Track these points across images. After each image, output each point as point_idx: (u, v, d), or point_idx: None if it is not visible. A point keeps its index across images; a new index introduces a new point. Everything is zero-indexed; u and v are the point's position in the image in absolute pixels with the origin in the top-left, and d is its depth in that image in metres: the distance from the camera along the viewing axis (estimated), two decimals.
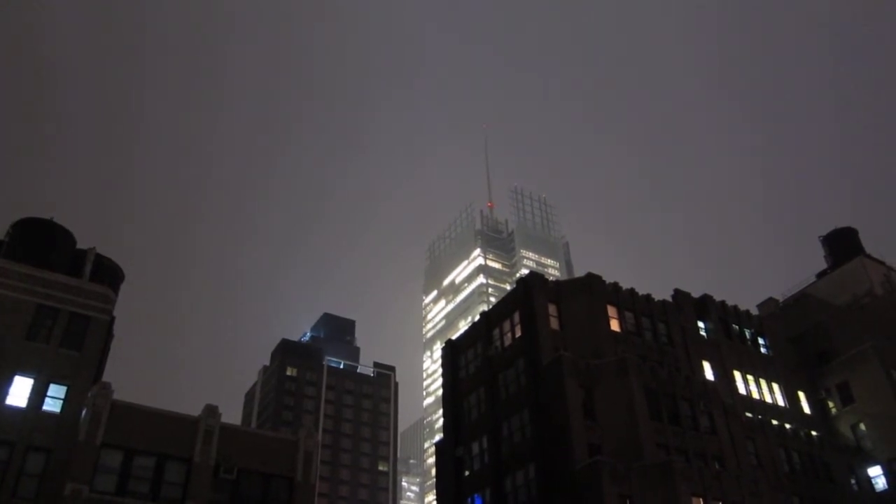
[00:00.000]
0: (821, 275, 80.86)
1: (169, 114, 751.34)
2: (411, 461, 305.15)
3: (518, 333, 53.46)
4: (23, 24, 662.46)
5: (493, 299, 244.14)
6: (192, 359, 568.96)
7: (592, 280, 55.42)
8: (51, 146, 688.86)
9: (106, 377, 38.76)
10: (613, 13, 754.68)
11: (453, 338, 64.28)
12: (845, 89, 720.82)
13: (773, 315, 71.52)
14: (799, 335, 66.38)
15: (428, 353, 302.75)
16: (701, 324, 59.42)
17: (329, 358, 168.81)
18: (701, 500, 41.18)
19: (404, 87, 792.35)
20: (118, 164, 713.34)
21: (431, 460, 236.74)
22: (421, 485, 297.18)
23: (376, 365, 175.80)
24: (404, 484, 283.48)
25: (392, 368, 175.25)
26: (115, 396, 34.92)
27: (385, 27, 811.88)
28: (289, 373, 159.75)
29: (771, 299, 77.74)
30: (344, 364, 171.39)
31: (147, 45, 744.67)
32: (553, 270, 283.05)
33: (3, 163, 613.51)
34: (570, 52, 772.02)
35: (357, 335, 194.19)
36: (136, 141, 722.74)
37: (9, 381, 34.51)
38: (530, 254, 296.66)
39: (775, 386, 60.15)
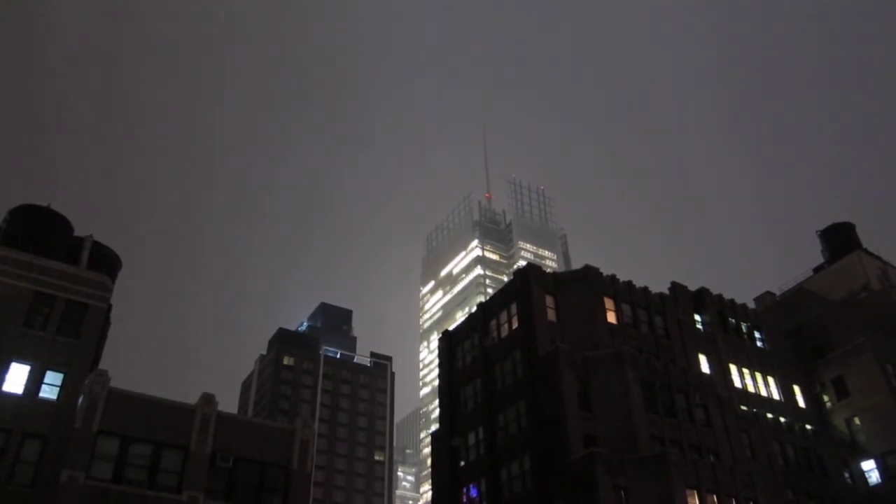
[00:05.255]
0: (818, 269, 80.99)
1: (175, 108, 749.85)
2: (407, 451, 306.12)
3: (515, 325, 53.52)
4: (26, 17, 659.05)
5: (490, 290, 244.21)
6: (189, 348, 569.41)
7: (590, 272, 55.46)
8: (54, 136, 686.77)
9: (103, 365, 38.82)
10: (612, 9, 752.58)
11: (450, 328, 64.35)
12: (844, 83, 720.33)
13: (770, 309, 71.62)
14: (795, 329, 66.53)
15: (425, 344, 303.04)
16: (697, 317, 59.52)
17: (326, 348, 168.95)
18: (695, 492, 41.34)
19: (405, 82, 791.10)
20: (123, 155, 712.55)
21: (427, 450, 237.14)
22: (417, 475, 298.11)
23: (373, 355, 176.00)
24: (400, 474, 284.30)
25: (389, 359, 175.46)
26: (112, 384, 34.90)
27: (387, 21, 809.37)
28: (286, 362, 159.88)
29: (767, 293, 77.85)
30: (341, 354, 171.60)
31: (152, 37, 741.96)
32: (550, 262, 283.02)
33: (4, 152, 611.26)
34: (569, 46, 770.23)
35: (354, 325, 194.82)
36: (140, 134, 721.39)
37: (5, 368, 34.47)
38: (528, 245, 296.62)
39: (771, 379, 60.33)
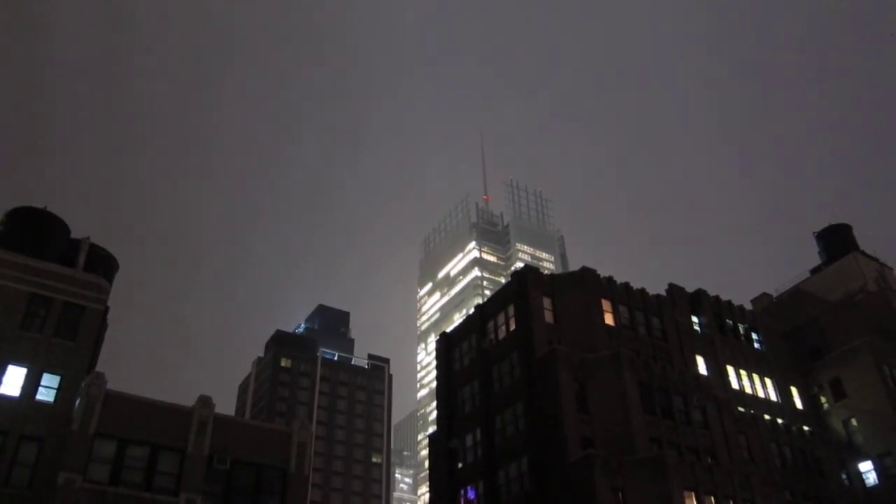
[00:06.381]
0: (814, 271, 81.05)
1: (174, 108, 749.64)
2: (405, 453, 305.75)
3: (512, 326, 53.55)
4: (24, 17, 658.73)
5: (487, 292, 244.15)
6: (187, 350, 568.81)
7: (587, 274, 55.50)
8: (51, 137, 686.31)
9: (100, 367, 38.72)
10: (610, 11, 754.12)
11: (448, 330, 64.32)
12: (841, 83, 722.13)
13: (767, 310, 71.73)
14: (792, 331, 66.62)
15: (422, 346, 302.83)
16: (695, 318, 59.59)
17: (323, 349, 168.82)
18: (693, 493, 41.38)
19: (404, 84, 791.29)
20: (121, 155, 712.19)
21: (425, 452, 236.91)
22: (414, 477, 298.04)
23: (370, 357, 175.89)
24: (397, 476, 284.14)
25: (386, 360, 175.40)
26: (109, 386, 34.89)
27: (386, 23, 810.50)
28: (283, 364, 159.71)
29: (765, 295, 77.96)
30: (338, 356, 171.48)
31: (151, 37, 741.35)
32: (548, 264, 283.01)
33: (3, 153, 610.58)
34: (567, 47, 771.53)
35: (352, 327, 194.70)
36: (139, 134, 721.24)
37: (2, 371, 34.41)
38: (525, 247, 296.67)
39: (768, 381, 60.41)
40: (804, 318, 67.89)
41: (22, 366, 34.93)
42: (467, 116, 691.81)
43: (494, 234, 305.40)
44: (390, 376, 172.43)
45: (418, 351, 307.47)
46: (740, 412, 53.23)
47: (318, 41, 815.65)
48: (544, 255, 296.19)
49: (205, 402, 36.56)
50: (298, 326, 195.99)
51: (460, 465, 53.90)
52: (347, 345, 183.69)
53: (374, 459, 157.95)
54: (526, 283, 54.07)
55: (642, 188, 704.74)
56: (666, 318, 56.71)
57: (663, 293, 59.18)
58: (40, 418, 34.01)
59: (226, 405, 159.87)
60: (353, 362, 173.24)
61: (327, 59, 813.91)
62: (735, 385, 57.49)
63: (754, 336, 62.93)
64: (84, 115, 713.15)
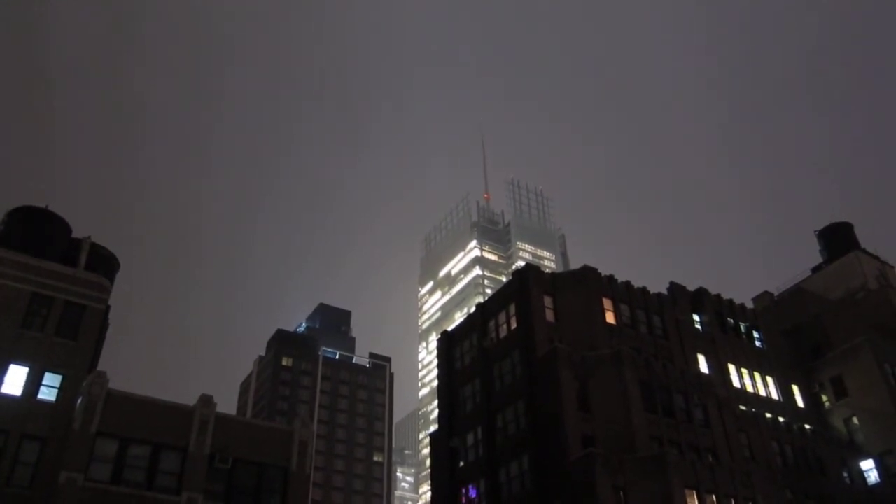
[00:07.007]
0: (816, 269, 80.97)
1: (174, 108, 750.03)
2: (406, 452, 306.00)
3: (513, 325, 53.54)
4: (24, 17, 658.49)
5: (488, 291, 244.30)
6: (188, 349, 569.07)
7: (588, 272, 55.48)
8: (53, 136, 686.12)
9: (101, 366, 38.74)
10: (610, 11, 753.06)
11: (449, 329, 64.31)
12: (842, 82, 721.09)
13: (768, 309, 71.68)
14: (793, 329, 66.57)
15: (423, 345, 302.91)
16: (696, 317, 59.53)
17: (324, 348, 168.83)
18: (694, 492, 41.35)
19: (403, 85, 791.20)
20: (122, 155, 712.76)
21: (426, 451, 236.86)
22: (415, 475, 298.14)
23: (372, 356, 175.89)
24: (399, 474, 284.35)
25: (387, 359, 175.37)
26: (111, 385, 34.90)
27: (387, 22, 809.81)
28: (284, 363, 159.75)
29: (766, 293, 77.88)
30: (339, 355, 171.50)
31: (152, 37, 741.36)
32: (549, 262, 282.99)
33: (3, 153, 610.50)
34: (568, 47, 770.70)
35: (353, 326, 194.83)
36: (140, 135, 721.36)
37: (4, 370, 34.43)
38: (526, 246, 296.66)
39: (769, 379, 60.36)
40: (805, 317, 67.86)
41: (23, 365, 34.94)
42: (467, 116, 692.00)
43: (495, 233, 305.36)
44: (391, 375, 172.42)
45: (419, 350, 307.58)
46: (741, 410, 53.21)
47: (318, 41, 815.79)
48: (545, 254, 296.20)
49: (206, 401, 36.59)
50: (300, 325, 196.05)
51: (461, 463, 53.91)
52: (349, 344, 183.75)
53: (375, 458, 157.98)
54: (527, 281, 54.05)
55: (642, 188, 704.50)
56: (667, 317, 56.68)
57: (664, 292, 59.14)
58: (42, 417, 34.02)
59: (227, 404, 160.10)
60: (354, 361, 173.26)
61: (327, 59, 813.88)
62: (736, 383, 57.45)
63: (755, 334, 62.88)
64: (84, 115, 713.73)
